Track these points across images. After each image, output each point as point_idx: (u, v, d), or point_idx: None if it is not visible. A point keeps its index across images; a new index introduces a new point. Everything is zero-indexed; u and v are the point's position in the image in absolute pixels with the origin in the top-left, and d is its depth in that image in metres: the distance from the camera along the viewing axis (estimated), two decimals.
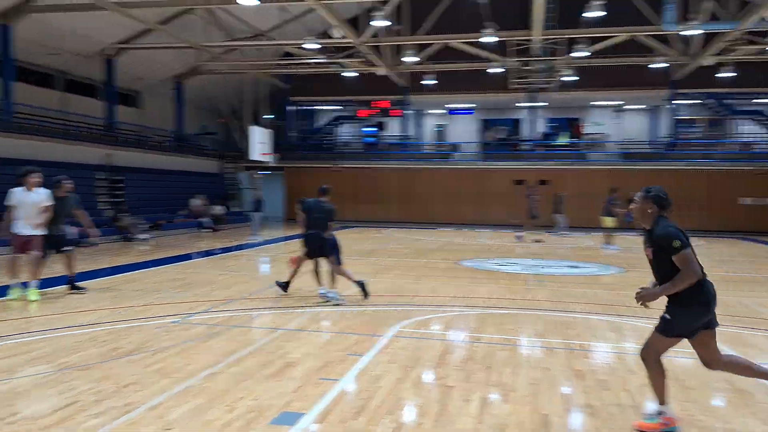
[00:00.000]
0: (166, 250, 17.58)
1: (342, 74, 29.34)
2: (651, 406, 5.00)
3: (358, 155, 34.00)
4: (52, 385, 5.54)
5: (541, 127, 34.30)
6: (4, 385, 5.52)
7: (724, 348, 5.91)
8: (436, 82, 30.09)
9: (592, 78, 29.47)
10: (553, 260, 16.10)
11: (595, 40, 24.80)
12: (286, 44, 24.76)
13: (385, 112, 35.09)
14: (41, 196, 9.60)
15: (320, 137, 36.99)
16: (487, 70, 28.29)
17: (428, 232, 26.15)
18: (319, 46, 23.68)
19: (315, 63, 26.90)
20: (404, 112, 34.00)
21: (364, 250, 18.26)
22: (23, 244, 9.59)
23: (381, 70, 27.19)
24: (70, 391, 5.40)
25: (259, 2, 17.97)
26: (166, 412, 4.97)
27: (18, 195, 9.48)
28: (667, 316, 4.64)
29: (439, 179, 31.57)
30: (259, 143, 26.49)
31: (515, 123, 35.43)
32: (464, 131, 35.60)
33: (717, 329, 4.69)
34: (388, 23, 22.22)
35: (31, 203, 9.47)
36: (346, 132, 37.25)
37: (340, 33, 21.93)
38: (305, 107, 36.98)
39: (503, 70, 27.77)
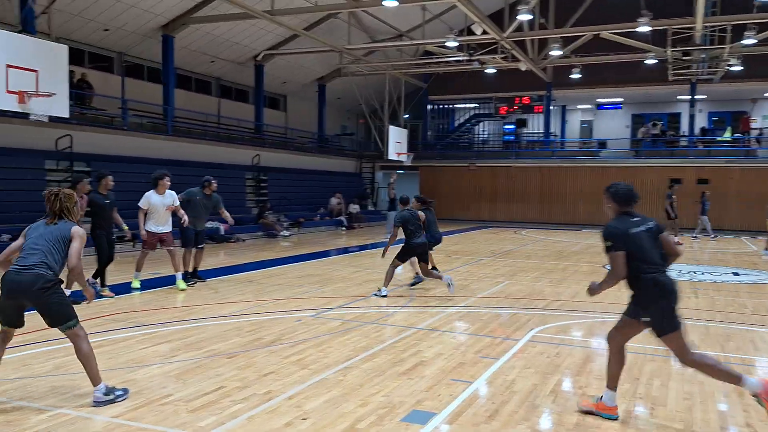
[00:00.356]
0: (306, 247, 18.28)
1: (483, 71, 28.94)
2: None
3: (496, 153, 33.45)
4: (201, 371, 5.89)
5: (702, 121, 31.74)
6: (159, 368, 5.96)
7: None
8: (582, 75, 28.76)
9: (762, 67, 26.74)
10: (712, 266, 14.82)
11: (764, 27, 22.49)
12: (427, 43, 24.82)
13: (526, 109, 34.17)
14: (170, 198, 10.43)
15: (457, 136, 36.80)
16: (644, 62, 26.57)
17: (569, 233, 25.14)
18: (459, 44, 23.49)
19: (455, 61, 26.75)
20: (547, 108, 32.84)
21: (501, 251, 17.89)
22: (156, 241, 10.45)
23: (523, 66, 26.48)
24: (217, 377, 5.72)
25: (398, 2, 18.13)
26: (303, 402, 5.11)
27: (150, 198, 10.31)
28: (646, 319, 4.79)
29: (583, 178, 30.18)
30: (396, 142, 26.85)
31: (671, 117, 33.04)
32: (612, 127, 33.82)
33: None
34: (532, 17, 21.56)
35: (162, 204, 10.30)
36: (484, 130, 36.77)
37: (481, 29, 21.60)
38: (443, 106, 36.98)
39: (659, 61, 25.96)
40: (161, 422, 4.62)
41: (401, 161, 27.81)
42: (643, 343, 7.23)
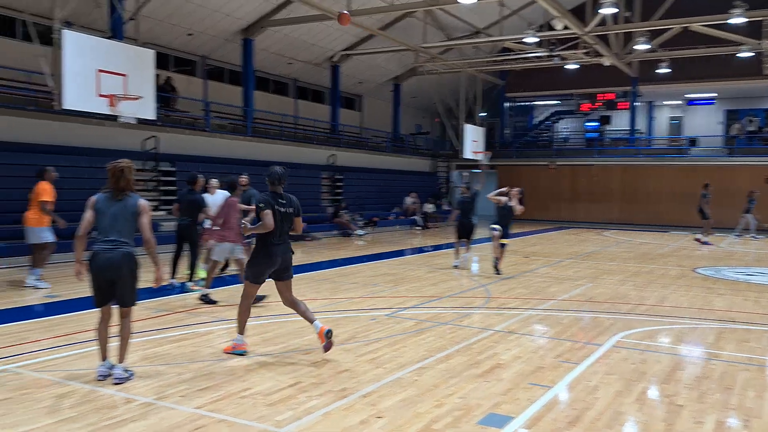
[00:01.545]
0: (380, 246, 18.33)
1: (563, 67, 28.19)
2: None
3: (577, 152, 32.52)
4: (278, 366, 5.97)
5: None
6: (238, 362, 6.08)
7: None
8: (670, 70, 27.46)
9: None
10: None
11: None
12: (505, 40, 24.37)
13: (610, 105, 32.98)
14: (219, 197, 10.76)
15: (536, 134, 36.00)
16: (737, 55, 25.13)
17: (655, 234, 24.12)
18: (538, 40, 22.93)
19: (534, 57, 26.17)
20: (632, 104, 31.60)
21: (582, 252, 17.36)
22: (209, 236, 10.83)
23: (607, 61, 25.56)
24: (294, 372, 5.77)
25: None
26: (378, 400, 5.08)
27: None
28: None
29: (670, 177, 28.89)
30: (473, 141, 26.55)
31: None
32: (704, 124, 32.20)
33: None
34: (617, 10, 20.79)
35: (212, 204, 10.65)
36: (565, 127, 35.81)
37: (562, 24, 21.00)
38: (521, 103, 36.27)
39: (754, 53, 24.48)
40: (240, 415, 4.70)
41: (478, 160, 27.46)
42: (737, 352, 6.81)
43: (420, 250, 17.85)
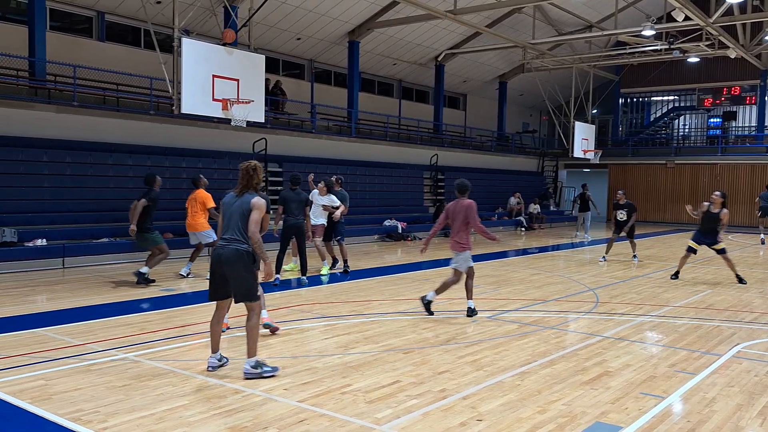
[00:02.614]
0: (483, 247, 18.03)
1: (683, 60, 26.60)
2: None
3: (698, 150, 30.57)
4: (378, 364, 6.00)
5: None
6: (340, 358, 6.17)
7: None
8: None
9: None
10: None
11: None
12: (620, 33, 23.27)
13: (736, 100, 30.76)
14: (305, 195, 11.20)
15: (653, 131, 34.17)
16: None
17: None
18: (657, 32, 21.69)
19: (652, 50, 24.84)
20: (763, 98, 29.21)
21: (702, 257, 16.26)
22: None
23: (733, 53, 23.84)
24: (393, 371, 5.79)
25: None
26: (478, 403, 5.00)
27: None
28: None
29: None
30: (583, 139, 25.61)
31: None
32: None
33: None
34: None
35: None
36: (684, 124, 33.78)
37: (683, 15, 19.76)
38: (636, 99, 34.58)
39: None
40: (341, 410, 4.77)
41: (588, 159, 26.46)
42: None
43: (524, 252, 17.43)
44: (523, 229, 25.00)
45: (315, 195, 11.85)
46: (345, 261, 12.24)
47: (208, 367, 5.68)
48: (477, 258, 14.30)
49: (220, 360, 5.72)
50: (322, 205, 11.81)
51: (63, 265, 11.84)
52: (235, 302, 5.70)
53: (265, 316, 6.73)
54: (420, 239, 19.75)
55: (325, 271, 11.82)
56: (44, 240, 11.96)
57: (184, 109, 12.22)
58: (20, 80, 14.82)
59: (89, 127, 14.54)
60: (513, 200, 26.51)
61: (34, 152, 13.38)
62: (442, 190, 24.75)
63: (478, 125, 30.60)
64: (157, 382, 5.36)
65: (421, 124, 26.48)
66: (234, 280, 5.56)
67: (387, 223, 19.77)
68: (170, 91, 12.66)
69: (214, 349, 5.74)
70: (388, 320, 7.99)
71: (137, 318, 7.79)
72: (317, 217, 11.77)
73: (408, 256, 15.37)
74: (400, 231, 19.49)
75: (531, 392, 5.29)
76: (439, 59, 26.58)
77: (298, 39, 21.97)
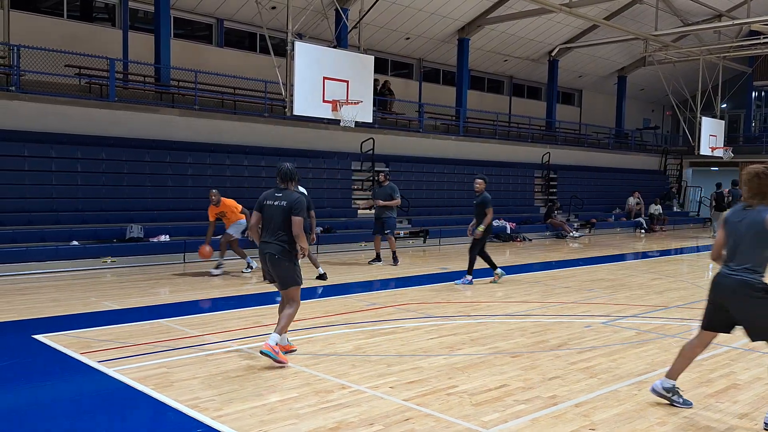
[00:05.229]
0: (598, 249, 17.32)
1: None
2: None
3: None
4: (485, 366, 5.87)
5: None
6: (445, 359, 6.09)
7: None
8: None
9: None
10: None
11: None
12: (753, 22, 21.53)
13: None
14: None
15: None
16: None
17: None
18: None
19: None
20: None
21: None
22: None
23: None
24: (501, 374, 5.64)
25: None
26: (591, 411, 4.77)
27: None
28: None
29: None
30: (710, 136, 23.96)
31: None
32: None
33: None
34: None
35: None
36: None
37: None
38: None
39: None
40: (446, 411, 4.70)
41: (719, 157, 24.71)
42: None
43: (644, 255, 16.52)
44: (642, 230, 23.75)
45: None
46: (393, 253, 12.78)
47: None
48: (591, 261, 13.75)
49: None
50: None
51: (184, 260, 12.53)
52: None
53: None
54: (530, 240, 19.26)
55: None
56: (167, 236, 12.72)
57: (296, 111, 12.61)
58: (147, 86, 15.89)
59: (208, 129, 15.35)
60: (632, 200, 25.20)
61: (158, 153, 14.28)
62: (555, 190, 23.99)
63: (594, 122, 29.40)
64: (269, 374, 5.51)
65: (533, 121, 25.81)
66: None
67: (495, 223, 19.41)
68: (283, 93, 13.10)
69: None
70: (495, 323, 7.81)
71: (251, 312, 8.09)
72: None
73: (517, 258, 15.02)
74: (508, 232, 19.09)
75: (649, 403, 4.97)
76: (553, 54, 25.79)
77: (407, 39, 22.08)
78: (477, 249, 10.60)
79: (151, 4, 16.33)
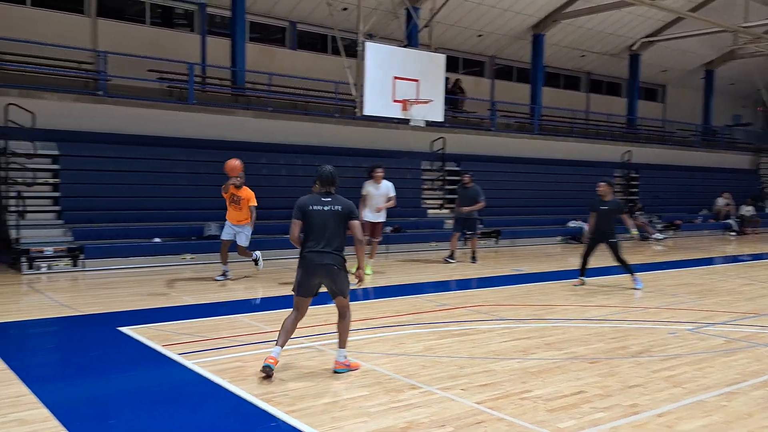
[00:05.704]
0: (684, 252, 16.51)
1: None
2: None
3: None
4: (561, 372, 5.65)
5: None
6: (519, 363, 5.91)
7: None
8: None
9: None
10: None
11: None
12: None
13: None
14: (385, 189, 10.85)
15: None
16: None
17: None
18: None
19: None
20: None
21: None
22: (370, 229, 10.83)
23: None
24: (577, 380, 5.42)
25: None
26: (675, 422, 4.53)
27: (368, 187, 10.69)
28: None
29: None
30: None
31: None
32: None
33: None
34: None
35: (378, 194, 10.65)
36: None
37: None
38: None
39: None
40: (520, 416, 4.56)
41: None
42: None
43: (734, 259, 15.62)
44: (733, 233, 22.49)
45: (369, 185, 11.10)
46: (473, 252, 13.05)
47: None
48: (676, 265, 13.07)
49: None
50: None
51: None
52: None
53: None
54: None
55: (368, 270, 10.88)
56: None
57: (366, 111, 12.63)
58: (224, 89, 16.32)
59: (281, 130, 15.60)
60: (721, 201, 23.89)
61: (233, 154, 14.52)
62: (636, 189, 23.06)
63: (679, 118, 28.10)
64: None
65: (612, 118, 24.91)
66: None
67: (571, 224, 18.86)
68: (353, 94, 13.15)
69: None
70: (572, 327, 7.52)
71: (322, 309, 8.11)
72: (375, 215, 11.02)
73: (594, 260, 14.48)
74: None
75: (739, 415, 4.66)
76: (634, 48, 24.80)
77: (480, 36, 21.76)
78: (620, 251, 10.40)
79: (228, 9, 16.77)
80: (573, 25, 22.25)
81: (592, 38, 23.48)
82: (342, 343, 5.52)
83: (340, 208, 5.39)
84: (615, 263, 10.41)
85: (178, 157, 13.77)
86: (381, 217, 11.14)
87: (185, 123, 14.23)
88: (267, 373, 5.22)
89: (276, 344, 5.40)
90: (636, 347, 6.59)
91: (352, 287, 5.61)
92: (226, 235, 10.09)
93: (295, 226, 5.49)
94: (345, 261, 5.49)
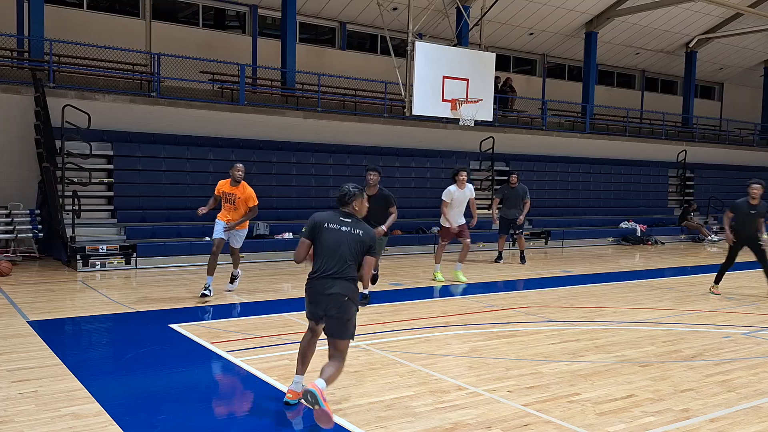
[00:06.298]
0: (741, 255, 15.90)
1: None
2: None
3: None
4: (611, 375, 5.56)
5: None
6: (567, 366, 5.83)
7: None
8: None
9: None
10: None
11: None
12: None
13: None
14: (469, 192, 10.40)
15: None
16: None
17: None
18: None
19: None
20: None
21: None
22: (457, 232, 10.42)
23: None
24: (628, 384, 5.32)
25: None
26: (728, 428, 4.43)
27: (452, 192, 10.28)
28: None
29: None
30: None
31: None
32: None
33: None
34: None
35: (462, 198, 10.31)
36: None
37: None
38: None
39: None
40: (568, 419, 4.51)
41: None
42: None
43: None
44: None
45: (453, 189, 10.35)
46: (521, 253, 12.96)
47: None
48: (732, 267, 12.73)
49: None
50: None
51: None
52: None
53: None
54: (663, 244, 18.11)
55: (461, 276, 10.68)
56: (291, 233, 13.15)
57: (415, 111, 12.64)
58: (274, 89, 16.58)
59: (330, 130, 15.77)
60: None
61: (284, 154, 14.85)
62: (691, 190, 22.39)
63: (737, 117, 27.15)
64: (386, 371, 5.54)
65: (667, 117, 24.26)
66: None
67: (624, 225, 18.46)
68: (402, 93, 13.17)
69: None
70: (622, 329, 7.38)
71: (368, 309, 8.18)
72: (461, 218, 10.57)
73: (647, 262, 14.16)
74: (638, 234, 18.06)
75: None
76: (691, 45, 24.12)
77: (531, 34, 21.51)
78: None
79: (279, 11, 17.03)
80: (627, 23, 21.77)
81: (647, 35, 22.92)
82: (328, 378, 4.38)
83: (361, 233, 4.59)
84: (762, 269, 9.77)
85: (228, 158, 14.07)
86: (463, 219, 10.73)
87: (236, 124, 14.53)
88: (288, 406, 4.66)
89: (296, 373, 4.75)
90: (689, 351, 6.43)
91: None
92: (218, 234, 8.64)
93: (303, 246, 4.71)
94: (357, 292, 4.66)
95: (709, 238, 19.19)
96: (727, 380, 5.47)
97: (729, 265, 9.95)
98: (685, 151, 22.48)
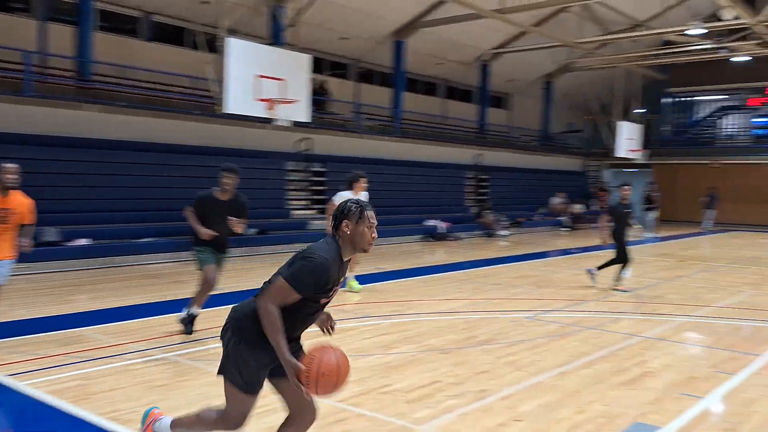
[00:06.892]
0: (525, 247, 17.92)
1: (730, 60, 25.90)
2: None
3: (745, 149, 29.68)
4: (418, 364, 6.06)
5: None
6: (379, 359, 6.25)
7: None
8: None
9: None
10: None
11: None
12: (667, 32, 22.73)
13: None
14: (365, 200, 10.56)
15: (698, 131, 33.31)
16: None
17: None
18: (705, 31, 21.12)
19: (698, 50, 24.23)
20: None
21: (746, 257, 15.89)
22: None
23: None
24: (432, 371, 5.84)
25: None
26: (517, 403, 5.03)
27: (344, 197, 10.37)
28: None
29: None
30: (627, 139, 25.20)
31: None
32: None
33: None
34: None
35: None
36: (731, 124, 32.82)
37: (731, 14, 19.21)
38: (683, 98, 33.72)
39: None
40: (380, 410, 4.82)
41: (631, 159, 25.97)
42: None
43: (566, 252, 17.23)
44: (565, 229, 24.69)
45: (347, 195, 9.44)
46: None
47: None
48: (518, 258, 14.33)
49: None
50: None
51: (106, 264, 11.94)
52: None
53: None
54: (462, 239, 19.70)
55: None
56: (89, 239, 12.08)
57: (229, 109, 12.36)
58: (67, 80, 15.12)
59: (134, 127, 14.74)
60: (556, 200, 26.23)
61: (79, 152, 13.53)
62: (486, 190, 24.61)
63: (523, 125, 30.30)
64: (197, 382, 5.39)
65: (466, 123, 26.34)
66: None
67: (428, 223, 19.80)
68: (214, 91, 12.87)
69: None
70: (427, 320, 8.05)
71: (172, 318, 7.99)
72: None
73: (449, 256, 15.38)
74: (443, 231, 19.47)
75: (570, 392, 5.29)
76: (484, 58, 26.40)
77: (344, 39, 22.10)
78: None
79: None
80: (432, 34, 23.20)
81: (449, 47, 24.63)
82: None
83: None
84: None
85: (8, 155, 12.59)
86: None
87: (20, 117, 12.91)
88: None
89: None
90: (483, 336, 7.20)
91: None
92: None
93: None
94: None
95: (500, 233, 21.25)
96: (515, 360, 6.23)
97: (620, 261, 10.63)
98: (482, 154, 24.65)
